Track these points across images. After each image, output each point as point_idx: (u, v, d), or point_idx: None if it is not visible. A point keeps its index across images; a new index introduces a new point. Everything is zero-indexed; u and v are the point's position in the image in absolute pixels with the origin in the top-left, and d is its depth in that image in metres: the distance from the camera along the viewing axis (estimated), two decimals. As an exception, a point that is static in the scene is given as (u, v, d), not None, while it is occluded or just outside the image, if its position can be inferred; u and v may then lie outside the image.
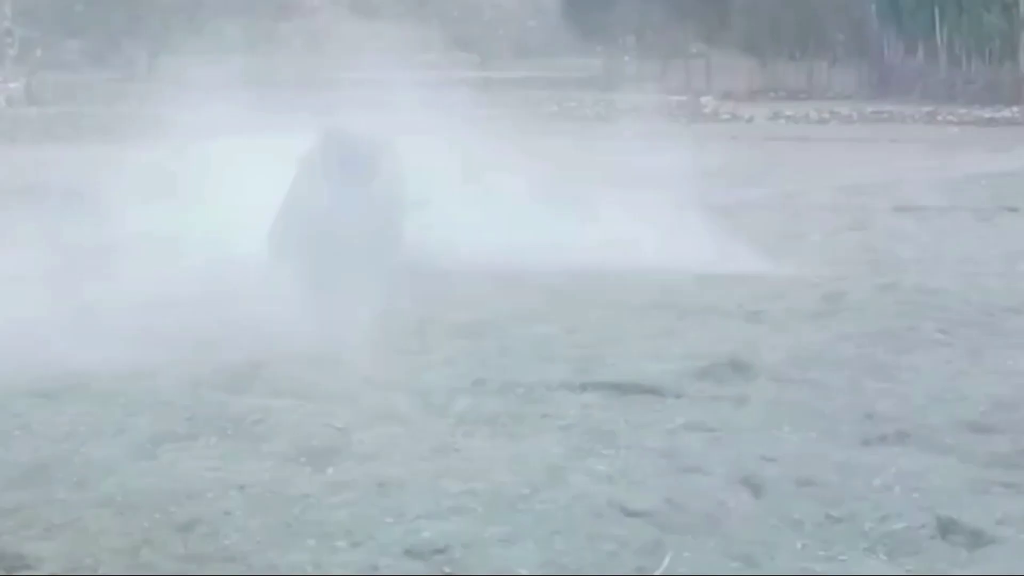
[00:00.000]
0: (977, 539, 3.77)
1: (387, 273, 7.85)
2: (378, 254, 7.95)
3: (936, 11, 21.40)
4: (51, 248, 8.14)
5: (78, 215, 9.17)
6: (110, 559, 3.64)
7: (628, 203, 11.30)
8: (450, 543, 3.78)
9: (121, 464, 4.50)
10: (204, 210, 8.61)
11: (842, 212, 10.99)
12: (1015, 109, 20.41)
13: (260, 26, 23.47)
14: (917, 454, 4.57)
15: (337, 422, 5.02)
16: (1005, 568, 3.56)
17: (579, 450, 4.72)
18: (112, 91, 17.58)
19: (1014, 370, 5.75)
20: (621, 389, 5.54)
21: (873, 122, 20.86)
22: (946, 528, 3.81)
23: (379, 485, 4.31)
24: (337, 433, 4.89)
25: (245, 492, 4.23)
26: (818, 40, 24.86)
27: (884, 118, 21.01)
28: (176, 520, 3.97)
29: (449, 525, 3.95)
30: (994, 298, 7.26)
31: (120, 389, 5.35)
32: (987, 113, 20.37)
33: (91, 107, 17.77)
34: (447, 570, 3.59)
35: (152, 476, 4.38)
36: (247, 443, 4.77)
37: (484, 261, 8.08)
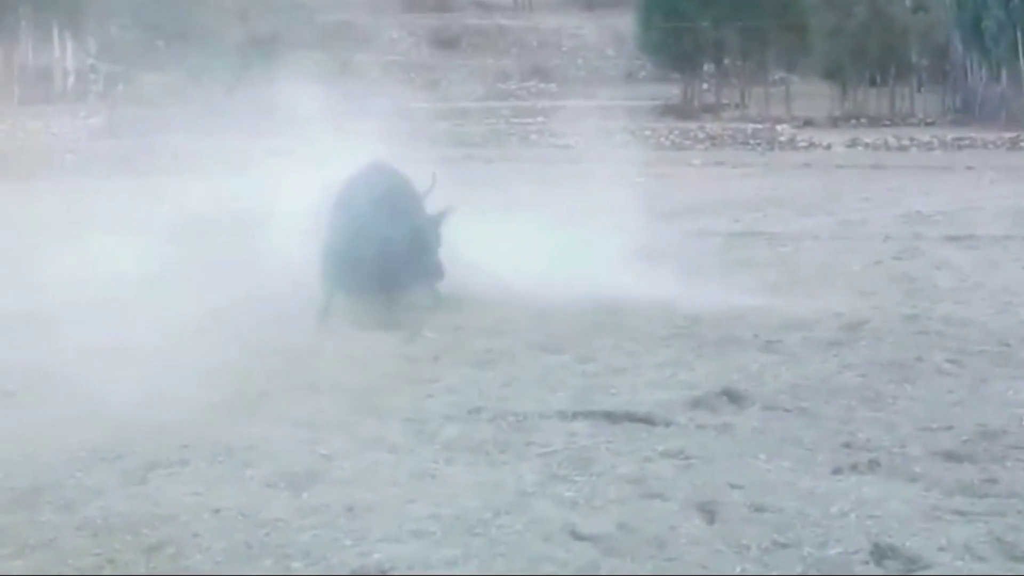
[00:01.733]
0: (911, 565, 3.78)
1: (425, 302, 8.10)
2: (424, 285, 8.20)
3: (1019, 35, 20.96)
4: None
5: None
6: None
7: (677, 232, 11.44)
8: (396, 565, 3.93)
9: (111, 488, 4.73)
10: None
11: (893, 241, 10.86)
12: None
13: (337, 58, 24.03)
14: (883, 482, 4.57)
15: (324, 449, 5.20)
16: (931, 596, 3.57)
17: (553, 476, 4.82)
18: (190, 124, 18.23)
19: (1012, 401, 5.68)
20: (612, 418, 5.62)
21: (954, 149, 20.46)
22: (883, 554, 3.83)
23: (348, 509, 4.48)
24: (321, 459, 5.07)
25: (218, 515, 4.43)
26: (901, 66, 24.46)
27: (965, 145, 20.59)
28: (145, 542, 4.18)
29: (403, 548, 4.09)
30: (1017, 328, 7.14)
31: (127, 417, 5.60)
32: (1075, 138, 19.90)
33: (167, 138, 18.41)
34: (383, 590, 3.71)
35: (136, 500, 4.60)
36: (234, 469, 4.97)
37: (521, 290, 8.20)
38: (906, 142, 20.99)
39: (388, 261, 7.81)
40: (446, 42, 30.48)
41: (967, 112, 23.45)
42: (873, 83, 24.52)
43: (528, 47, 30.47)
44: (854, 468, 4.75)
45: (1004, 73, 22.20)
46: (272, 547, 4.13)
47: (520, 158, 20.50)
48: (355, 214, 7.90)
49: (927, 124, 23.37)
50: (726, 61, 26.68)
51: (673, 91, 26.53)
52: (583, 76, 28.14)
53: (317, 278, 7.91)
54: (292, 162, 9.86)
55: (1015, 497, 4.39)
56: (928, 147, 20.69)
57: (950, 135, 21.24)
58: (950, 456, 4.85)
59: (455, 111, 26.14)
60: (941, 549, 3.89)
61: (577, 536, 4.12)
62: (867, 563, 3.78)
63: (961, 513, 4.20)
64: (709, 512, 4.31)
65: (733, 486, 4.57)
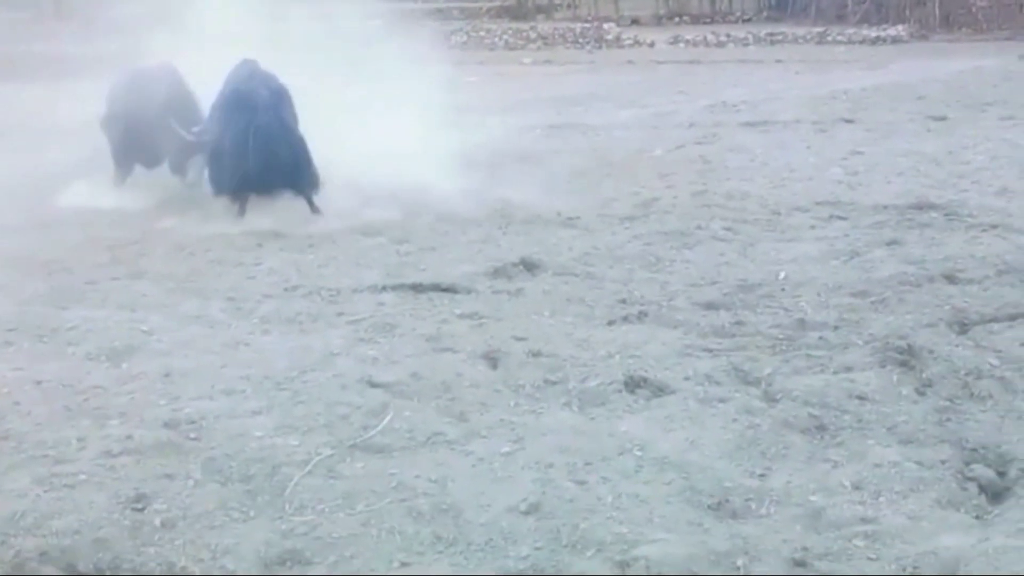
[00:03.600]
0: (658, 391, 4.38)
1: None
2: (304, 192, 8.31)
3: (828, -68, 21.89)
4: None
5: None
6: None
7: (500, 126, 11.89)
8: (205, 417, 4.33)
9: (-70, 368, 4.96)
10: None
11: (697, 128, 11.52)
12: (900, 28, 20.97)
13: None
14: (648, 329, 5.18)
15: (145, 326, 5.52)
16: (671, 412, 4.17)
17: (358, 340, 5.27)
18: (17, 31, 17.64)
19: (774, 259, 6.36)
20: (418, 289, 6.08)
21: (767, 44, 21.35)
22: (635, 384, 4.42)
23: (165, 375, 4.84)
24: (142, 335, 5.40)
25: (40, 386, 4.73)
26: (721, -36, 25.25)
27: (777, 40, 21.51)
28: (-33, 411, 4.46)
29: (213, 404, 4.49)
30: (789, 199, 7.86)
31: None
32: (874, 32, 20.92)
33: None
34: (191, 435, 4.12)
35: (-42, 377, 4.86)
36: (57, 347, 5.26)
37: (347, 179, 8.49)
38: (724, 38, 21.78)
39: (289, 162, 7.91)
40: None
41: (781, 9, 24.42)
42: (696, -18, 25.27)
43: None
44: (625, 319, 5.34)
45: (815, -30, 23.17)
46: (90, 410, 4.46)
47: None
48: (250, 115, 7.79)
49: (744, 21, 24.28)
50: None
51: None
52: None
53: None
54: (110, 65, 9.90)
55: (758, 335, 5.04)
56: (743, 42, 21.52)
57: (764, 31, 22.13)
58: (709, 306, 5.48)
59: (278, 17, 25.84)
60: (686, 378, 4.50)
61: (373, 384, 4.59)
62: (620, 392, 4.35)
63: (709, 350, 4.83)
64: (492, 360, 4.83)
65: (517, 338, 5.10)
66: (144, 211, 8.15)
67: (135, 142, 8.67)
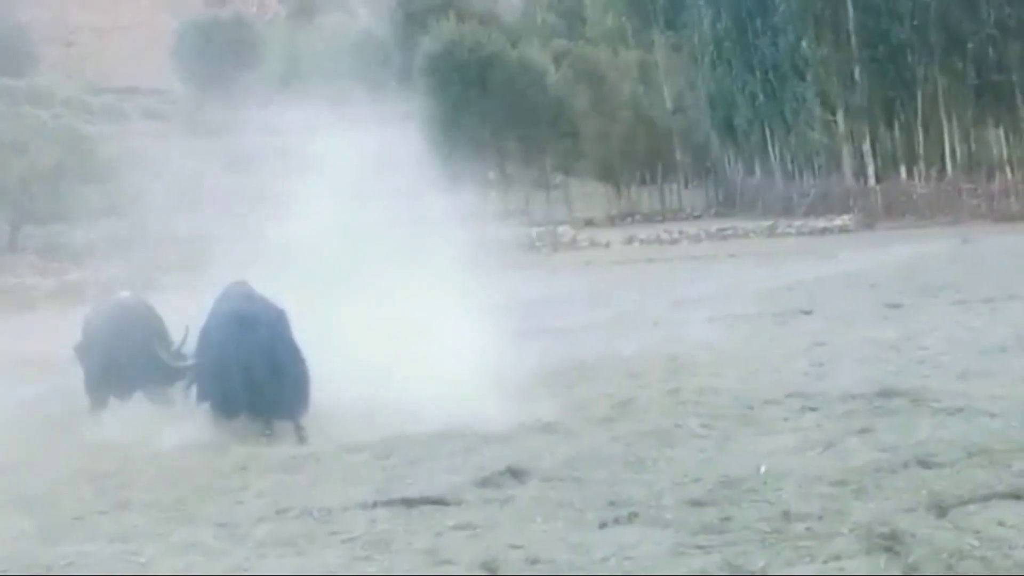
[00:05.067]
0: (657, 593, 4.49)
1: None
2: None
3: (766, 131, 22.97)
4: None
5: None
6: None
7: (466, 334, 12.17)
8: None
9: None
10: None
11: (661, 326, 11.89)
12: (845, 218, 21.93)
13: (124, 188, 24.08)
14: (640, 530, 5.32)
15: (141, 558, 5.56)
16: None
17: (355, 559, 5.36)
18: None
19: (752, 452, 6.56)
20: (409, 503, 6.19)
21: (719, 239, 22.21)
22: (635, 587, 4.53)
23: (170, 609, 4.88)
24: (138, 567, 5.44)
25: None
26: (667, 164, 26.38)
27: (728, 234, 22.39)
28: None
29: (221, 632, 4.54)
30: (760, 392, 8.13)
31: None
32: (821, 223, 21.86)
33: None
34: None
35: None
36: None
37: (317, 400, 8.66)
38: (676, 235, 22.61)
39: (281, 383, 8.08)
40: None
41: (729, 204, 25.50)
42: (644, 181, 26.33)
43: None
44: (616, 521, 5.48)
45: (757, 166, 24.25)
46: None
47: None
48: (239, 335, 8.12)
49: (695, 217, 25.29)
50: (508, 169, 28.14)
51: (462, 199, 27.67)
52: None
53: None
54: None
55: (747, 530, 5.19)
56: (696, 239, 22.35)
57: (715, 226, 23.05)
58: (696, 503, 5.64)
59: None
60: (682, 578, 4.62)
61: (376, 602, 4.67)
62: (619, 597, 4.47)
63: (700, 547, 4.97)
64: (492, 569, 4.94)
65: (513, 547, 5.21)
66: (122, 441, 8.24)
67: (112, 372, 8.83)
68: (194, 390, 8.36)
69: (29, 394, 9.91)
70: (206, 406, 8.22)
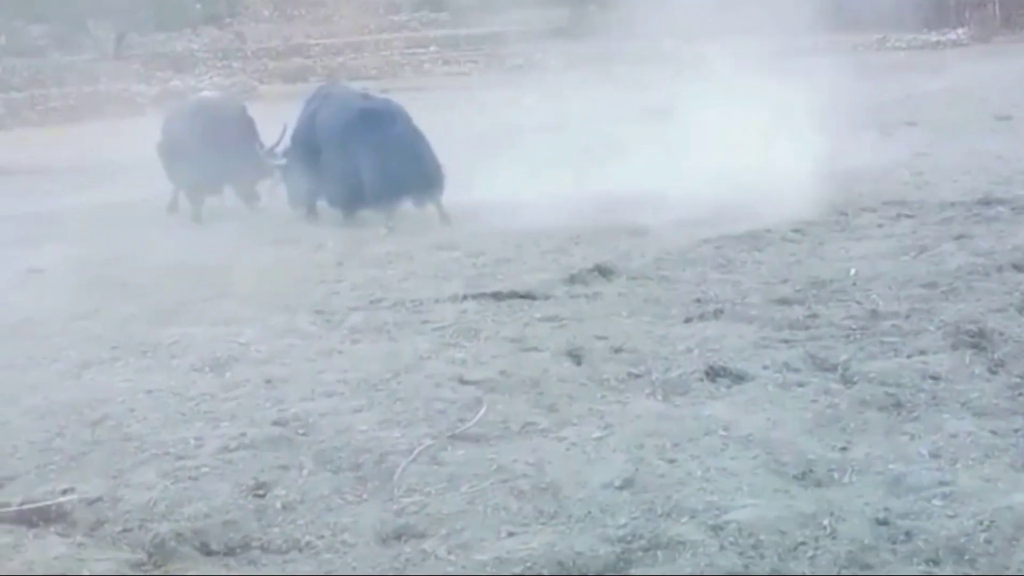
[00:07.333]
0: (738, 379, 4.58)
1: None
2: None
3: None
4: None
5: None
6: (26, 448, 4.43)
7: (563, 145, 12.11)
8: (310, 415, 4.60)
9: (48, 384, 5.29)
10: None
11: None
12: (960, 31, 20.98)
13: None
14: (724, 325, 5.37)
15: (242, 339, 5.82)
16: (752, 396, 4.36)
17: (445, 344, 5.52)
18: (81, 72, 18.22)
19: (844, 257, 6.53)
20: (498, 297, 6.33)
21: (826, 52, 21.40)
22: (716, 373, 4.62)
23: (267, 382, 5.12)
24: (239, 347, 5.69)
25: (151, 395, 5.04)
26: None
27: (835, 48, 21.55)
28: (87, 418, 4.76)
29: (316, 404, 4.76)
30: (856, 200, 8.00)
31: (55, 329, 6.14)
32: (933, 37, 20.95)
33: (59, 89, 18.47)
34: (300, 431, 4.39)
35: (73, 391, 5.17)
36: (161, 360, 5.57)
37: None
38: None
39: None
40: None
41: (839, 15, 24.43)
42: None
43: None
44: (701, 317, 5.54)
45: None
46: (201, 413, 4.75)
47: (416, 87, 20.95)
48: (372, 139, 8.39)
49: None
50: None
51: (562, 13, 27.10)
52: (474, 3, 28.51)
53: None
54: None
55: (832, 326, 5.22)
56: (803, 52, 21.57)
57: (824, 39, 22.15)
58: (783, 301, 5.66)
59: (346, 45, 26.45)
60: (765, 367, 4.69)
61: (464, 382, 4.84)
62: (701, 380, 4.56)
63: (785, 341, 5.02)
64: (576, 357, 5.06)
65: (598, 337, 5.32)
66: (219, 239, 8.51)
67: (199, 167, 8.99)
68: (283, 189, 8.57)
69: (135, 196, 10.22)
70: (315, 203, 8.46)
